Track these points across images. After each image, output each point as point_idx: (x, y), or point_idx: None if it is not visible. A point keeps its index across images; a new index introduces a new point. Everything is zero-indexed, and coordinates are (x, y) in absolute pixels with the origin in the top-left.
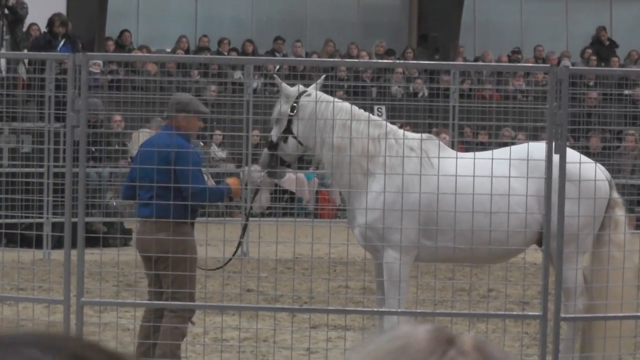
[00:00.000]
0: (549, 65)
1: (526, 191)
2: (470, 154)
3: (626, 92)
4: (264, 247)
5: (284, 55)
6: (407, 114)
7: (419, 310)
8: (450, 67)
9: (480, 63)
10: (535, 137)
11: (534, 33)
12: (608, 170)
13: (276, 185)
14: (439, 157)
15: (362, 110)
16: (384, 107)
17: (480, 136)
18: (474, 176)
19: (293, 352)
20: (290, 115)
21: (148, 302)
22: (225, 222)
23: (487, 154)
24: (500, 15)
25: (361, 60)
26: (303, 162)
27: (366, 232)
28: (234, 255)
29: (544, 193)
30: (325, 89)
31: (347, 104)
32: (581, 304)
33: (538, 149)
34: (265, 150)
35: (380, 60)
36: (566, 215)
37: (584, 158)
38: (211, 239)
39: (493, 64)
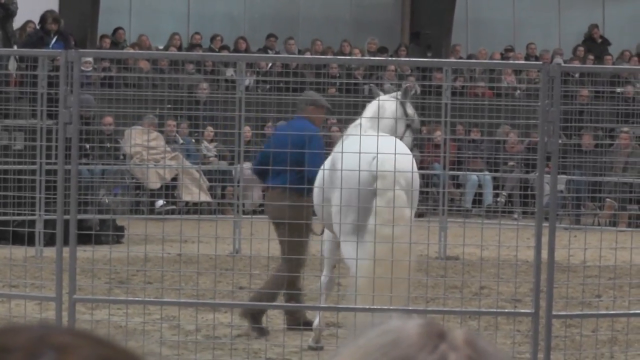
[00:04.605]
0: (541, 62)
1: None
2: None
3: (618, 90)
4: (256, 244)
5: (277, 53)
6: None
7: (410, 308)
8: (442, 64)
9: (472, 60)
10: (527, 135)
11: (526, 30)
12: (599, 167)
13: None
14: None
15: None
16: None
17: (472, 133)
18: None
19: (285, 350)
20: None
21: (139, 299)
22: (217, 219)
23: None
24: (493, 13)
25: (353, 57)
26: None
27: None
28: None
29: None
30: (317, 86)
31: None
32: (324, 277)
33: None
34: None
35: (372, 58)
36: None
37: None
38: (203, 235)
39: (485, 61)
